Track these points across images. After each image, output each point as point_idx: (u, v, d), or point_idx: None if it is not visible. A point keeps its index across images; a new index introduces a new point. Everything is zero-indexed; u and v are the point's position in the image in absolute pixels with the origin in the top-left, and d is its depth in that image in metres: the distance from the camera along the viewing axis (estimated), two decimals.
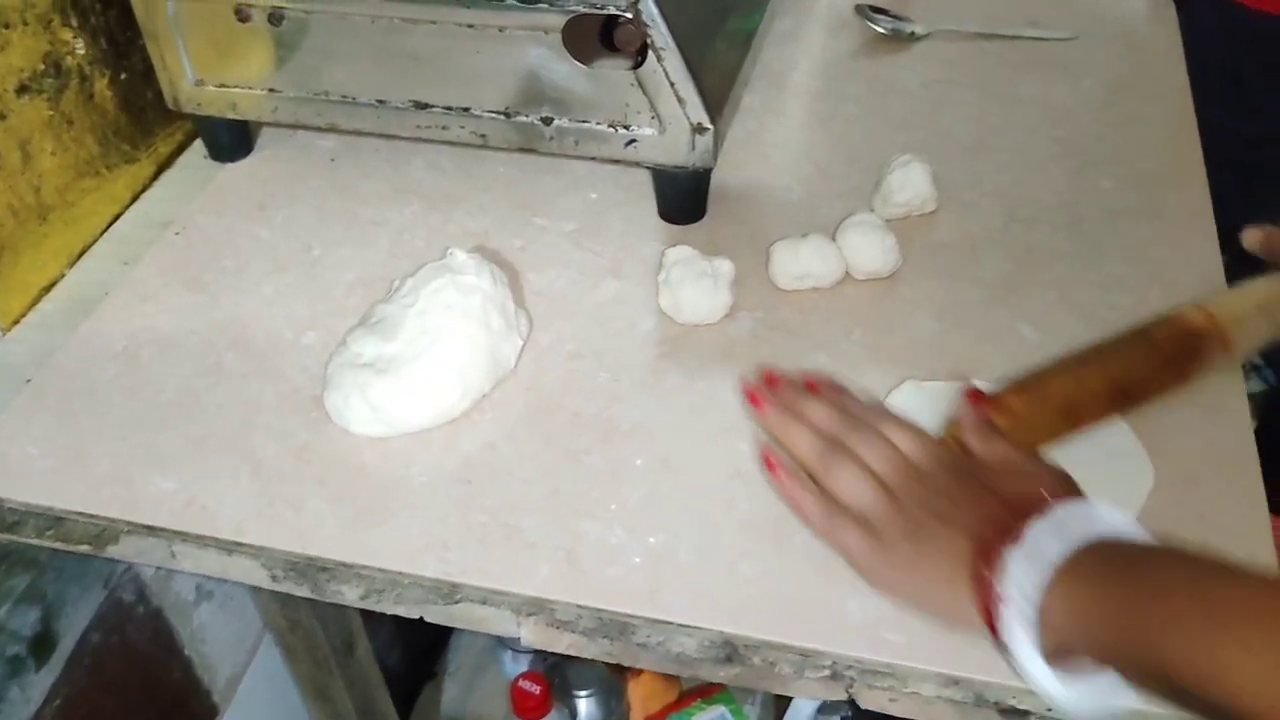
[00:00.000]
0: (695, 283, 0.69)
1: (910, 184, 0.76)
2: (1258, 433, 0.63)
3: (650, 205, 0.80)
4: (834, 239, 0.73)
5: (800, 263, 0.71)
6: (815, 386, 0.61)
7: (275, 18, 0.75)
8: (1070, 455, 0.60)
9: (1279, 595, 0.42)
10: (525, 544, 0.59)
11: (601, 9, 0.68)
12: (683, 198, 0.78)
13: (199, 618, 0.90)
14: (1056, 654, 0.47)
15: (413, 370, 0.63)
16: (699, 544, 0.58)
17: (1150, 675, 0.45)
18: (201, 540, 0.60)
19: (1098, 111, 0.89)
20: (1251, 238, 0.72)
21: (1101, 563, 0.47)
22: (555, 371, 0.68)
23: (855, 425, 0.57)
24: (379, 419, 0.63)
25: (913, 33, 0.99)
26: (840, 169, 0.83)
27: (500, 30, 0.71)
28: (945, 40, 0.99)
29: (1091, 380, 0.60)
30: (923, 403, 0.65)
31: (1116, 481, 0.60)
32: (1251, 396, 0.65)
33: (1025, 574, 0.47)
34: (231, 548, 0.60)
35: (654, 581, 0.57)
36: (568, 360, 0.69)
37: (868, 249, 0.71)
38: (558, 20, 0.70)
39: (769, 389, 0.61)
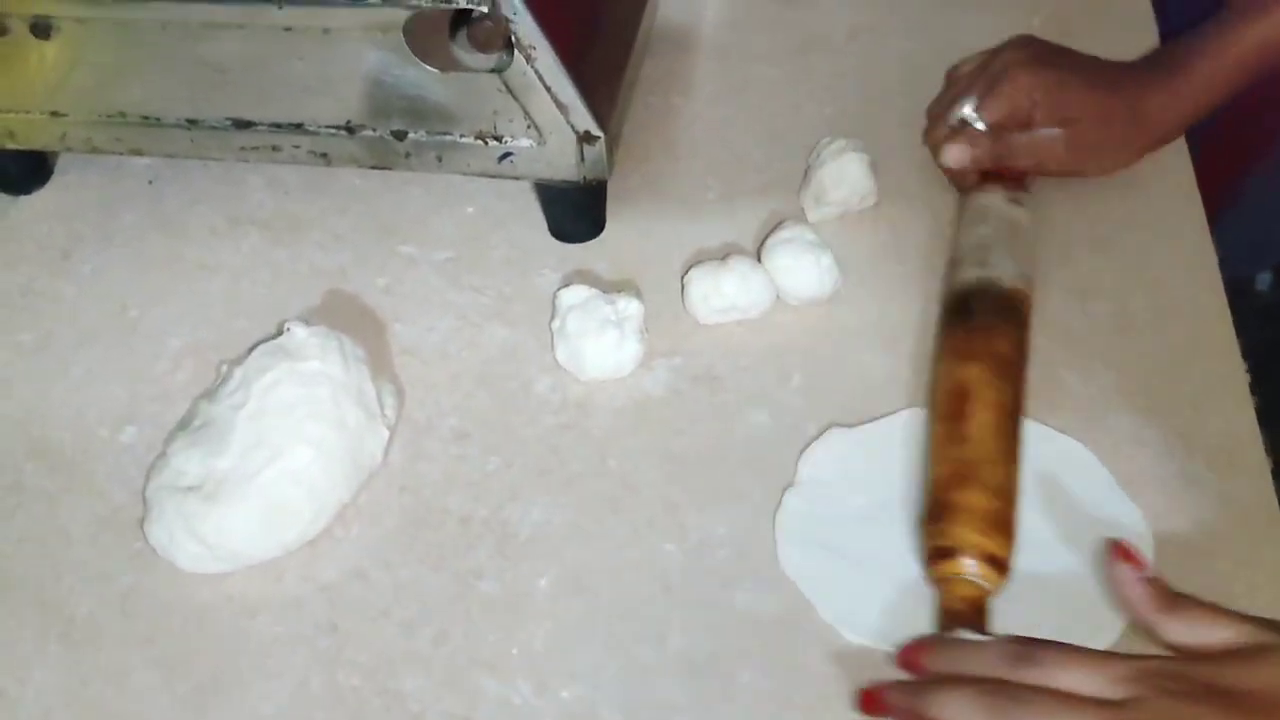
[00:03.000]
0: (598, 334, 0.57)
1: (846, 179, 0.63)
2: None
3: (539, 217, 0.67)
4: (759, 259, 0.61)
5: (722, 295, 0.59)
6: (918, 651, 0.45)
7: (40, 29, 0.59)
8: (1049, 530, 0.50)
9: None
10: (409, 715, 0.47)
11: (448, 3, 0.54)
12: (575, 215, 0.65)
13: None
14: None
15: (248, 494, 0.50)
16: (624, 696, 0.47)
17: None
18: None
19: None
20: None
21: None
22: (435, 461, 0.56)
23: (1019, 701, 0.40)
24: (213, 555, 0.51)
25: None
26: (760, 153, 0.70)
27: (325, 32, 0.57)
28: None
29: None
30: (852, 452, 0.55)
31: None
32: None
33: None
34: None
35: None
36: (450, 443, 0.57)
37: (801, 272, 0.59)
38: (395, 17, 0.55)
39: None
